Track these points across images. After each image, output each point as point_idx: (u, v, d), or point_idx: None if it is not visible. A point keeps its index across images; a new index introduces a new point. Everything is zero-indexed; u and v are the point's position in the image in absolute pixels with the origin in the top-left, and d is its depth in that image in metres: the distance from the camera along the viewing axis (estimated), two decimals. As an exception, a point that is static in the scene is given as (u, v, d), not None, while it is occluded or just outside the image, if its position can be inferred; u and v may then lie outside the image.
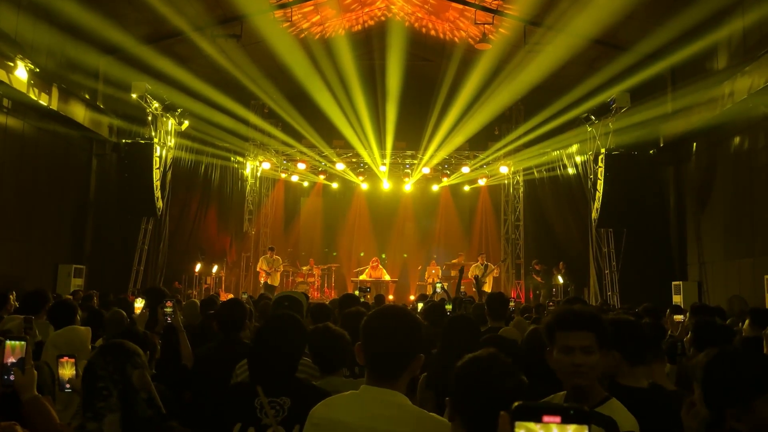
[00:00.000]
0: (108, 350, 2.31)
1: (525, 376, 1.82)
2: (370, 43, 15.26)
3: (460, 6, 12.46)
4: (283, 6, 12.27)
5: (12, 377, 2.29)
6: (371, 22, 14.52)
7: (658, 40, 11.61)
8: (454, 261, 16.67)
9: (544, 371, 2.44)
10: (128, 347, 2.35)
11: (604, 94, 12.20)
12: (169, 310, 4.26)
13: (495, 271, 15.14)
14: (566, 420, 0.90)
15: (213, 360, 3.51)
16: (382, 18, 14.40)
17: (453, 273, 16.37)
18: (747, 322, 4.82)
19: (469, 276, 15.04)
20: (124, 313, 4.68)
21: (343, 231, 18.73)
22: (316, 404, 1.98)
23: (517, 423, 0.91)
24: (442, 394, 2.74)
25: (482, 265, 14.91)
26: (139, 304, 5.17)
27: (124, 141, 12.99)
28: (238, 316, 3.82)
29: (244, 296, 9.94)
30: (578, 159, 14.21)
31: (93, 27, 10.87)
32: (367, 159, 16.80)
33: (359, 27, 14.58)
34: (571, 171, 14.65)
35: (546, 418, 0.90)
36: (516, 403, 0.92)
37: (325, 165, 17.31)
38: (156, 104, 12.28)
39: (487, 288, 14.38)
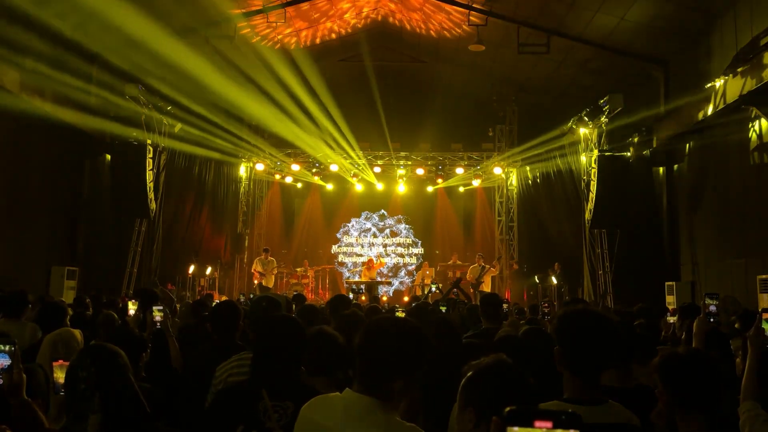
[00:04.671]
0: (89, 352, 2.31)
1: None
2: (363, 45, 15.25)
3: (454, 7, 12.47)
4: (281, 6, 12.23)
5: (0, 381, 2.27)
6: (365, 21, 14.51)
7: (651, 42, 11.67)
8: (449, 262, 16.71)
9: (543, 370, 2.46)
10: (109, 349, 2.34)
11: (597, 95, 12.23)
12: (158, 314, 4.23)
13: (493, 270, 15.18)
14: (558, 425, 0.90)
15: (206, 361, 3.50)
16: (378, 18, 14.41)
17: (450, 274, 16.43)
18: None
19: (467, 277, 15.09)
20: (116, 315, 4.67)
21: (337, 232, 18.75)
22: None
23: (509, 428, 0.91)
24: (429, 394, 2.75)
25: (480, 266, 14.94)
26: (133, 306, 5.16)
27: (117, 142, 12.93)
28: (231, 317, 3.82)
29: (242, 298, 9.90)
30: (571, 160, 14.24)
31: (85, 28, 10.82)
32: (360, 160, 16.80)
33: (353, 28, 14.58)
34: (564, 172, 14.69)
35: (538, 423, 0.90)
36: (507, 408, 0.92)
37: (319, 166, 17.31)
38: (149, 106, 12.22)
39: (486, 288, 14.41)
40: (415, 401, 2.91)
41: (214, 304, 5.39)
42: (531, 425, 0.90)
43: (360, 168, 17.25)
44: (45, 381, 2.91)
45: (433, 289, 10.38)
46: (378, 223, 18.81)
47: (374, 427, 1.80)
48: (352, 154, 16.27)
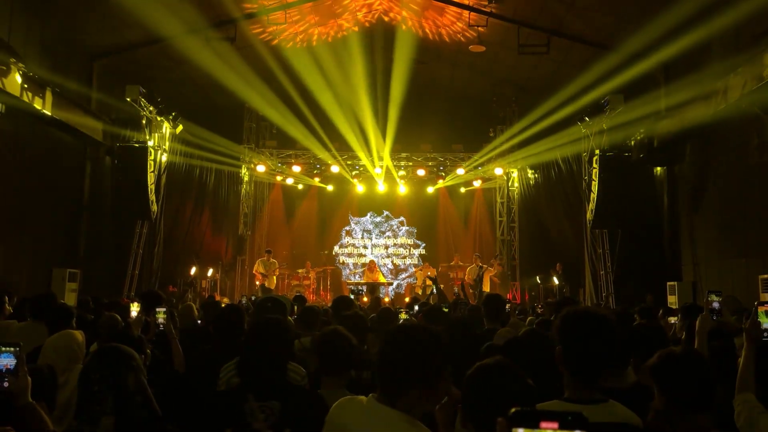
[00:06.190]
0: (103, 354, 2.31)
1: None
2: (363, 46, 15.23)
3: (454, 8, 12.47)
4: (285, 6, 12.22)
5: (6, 384, 2.27)
6: (365, 22, 14.51)
7: (651, 41, 11.65)
8: (451, 263, 16.70)
9: (544, 370, 2.46)
10: (124, 351, 2.35)
11: (597, 95, 12.22)
12: (160, 316, 4.23)
13: (491, 270, 15.16)
14: (564, 426, 0.90)
15: (208, 363, 3.51)
16: (377, 17, 14.40)
17: (452, 275, 16.44)
18: None
19: (466, 278, 15.08)
20: (119, 317, 4.66)
21: (338, 233, 18.74)
22: (306, 407, 2.00)
23: (515, 429, 0.91)
24: None
25: (477, 267, 14.92)
26: (135, 308, 5.16)
27: (118, 144, 12.93)
28: (234, 320, 3.83)
29: (244, 299, 9.90)
30: (572, 160, 14.24)
31: (86, 30, 10.83)
32: (361, 161, 16.79)
33: (352, 29, 14.56)
34: (565, 172, 14.69)
35: (543, 424, 0.90)
36: (513, 409, 0.92)
37: (320, 168, 17.30)
38: (150, 107, 12.23)
39: (486, 288, 14.40)
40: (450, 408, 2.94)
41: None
42: (537, 426, 0.90)
43: (361, 169, 17.24)
44: (49, 383, 2.92)
45: (434, 290, 10.38)
46: (381, 225, 18.80)
47: None
48: (357, 154, 16.27)
